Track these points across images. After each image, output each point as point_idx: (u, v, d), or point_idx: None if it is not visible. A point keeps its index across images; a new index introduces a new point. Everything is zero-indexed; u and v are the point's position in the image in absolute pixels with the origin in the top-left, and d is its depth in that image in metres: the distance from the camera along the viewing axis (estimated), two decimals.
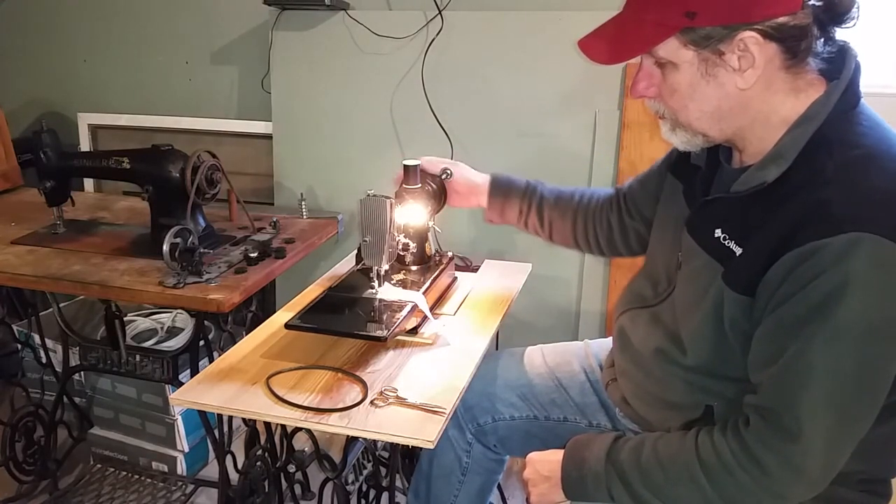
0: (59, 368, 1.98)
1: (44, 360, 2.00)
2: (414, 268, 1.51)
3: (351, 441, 1.32)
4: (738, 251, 0.93)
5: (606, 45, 0.98)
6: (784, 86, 0.93)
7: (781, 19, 0.88)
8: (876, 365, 0.86)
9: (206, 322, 1.65)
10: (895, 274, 0.83)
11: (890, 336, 0.85)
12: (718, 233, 0.97)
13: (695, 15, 0.89)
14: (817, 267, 0.83)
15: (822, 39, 0.91)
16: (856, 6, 0.91)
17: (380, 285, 1.35)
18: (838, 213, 0.84)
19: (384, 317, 1.30)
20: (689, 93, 0.95)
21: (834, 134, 0.90)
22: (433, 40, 2.12)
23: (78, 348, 1.80)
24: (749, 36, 0.88)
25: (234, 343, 1.32)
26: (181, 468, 2.03)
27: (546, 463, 1.08)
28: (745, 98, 0.93)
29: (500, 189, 1.42)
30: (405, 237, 1.45)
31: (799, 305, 0.85)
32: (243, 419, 1.75)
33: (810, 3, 0.88)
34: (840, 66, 0.93)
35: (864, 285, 0.82)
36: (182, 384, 1.18)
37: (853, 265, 0.82)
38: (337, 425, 1.05)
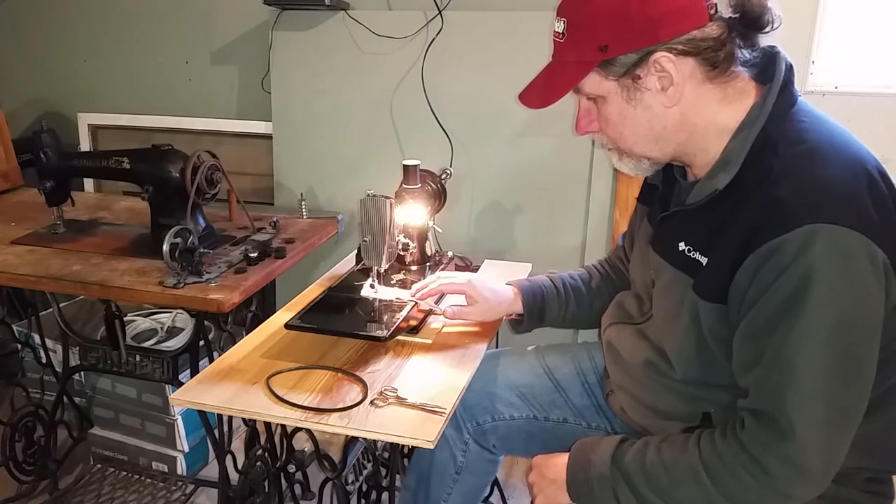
0: (59, 368, 1.98)
1: (44, 360, 2.00)
2: (414, 268, 1.52)
3: (351, 441, 1.33)
4: (704, 261, 0.95)
5: (538, 91, 1.03)
6: (714, 96, 0.96)
7: (691, 34, 0.91)
8: (855, 351, 0.86)
9: (206, 322, 1.65)
10: (856, 259, 0.84)
11: (862, 320, 0.86)
12: (682, 246, 0.99)
13: (607, 47, 0.94)
14: (780, 264, 0.85)
15: (747, 47, 0.94)
16: (768, 11, 0.93)
17: (380, 284, 1.35)
18: (792, 208, 0.85)
19: (384, 317, 1.30)
20: (620, 120, 1.00)
21: (777, 134, 0.93)
22: (433, 40, 2.12)
23: (78, 348, 1.80)
24: (661, 56, 0.92)
25: (234, 343, 1.32)
26: (181, 468, 2.03)
27: (551, 466, 1.08)
28: (676, 115, 0.97)
29: (531, 289, 1.35)
30: (405, 237, 1.45)
31: (769, 305, 0.86)
32: (243, 419, 1.75)
33: (719, 13, 0.91)
34: (772, 70, 0.96)
35: (827, 275, 0.83)
36: (182, 384, 1.18)
37: (814, 257, 0.83)
38: (337, 425, 1.05)
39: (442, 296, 1.36)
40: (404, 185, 1.47)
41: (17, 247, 1.64)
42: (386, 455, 1.66)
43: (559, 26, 0.98)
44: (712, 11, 0.91)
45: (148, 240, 1.65)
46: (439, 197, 1.56)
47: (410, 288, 1.35)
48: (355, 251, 1.59)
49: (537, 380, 1.33)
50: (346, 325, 1.31)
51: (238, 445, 1.75)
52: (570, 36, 0.97)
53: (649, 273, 1.11)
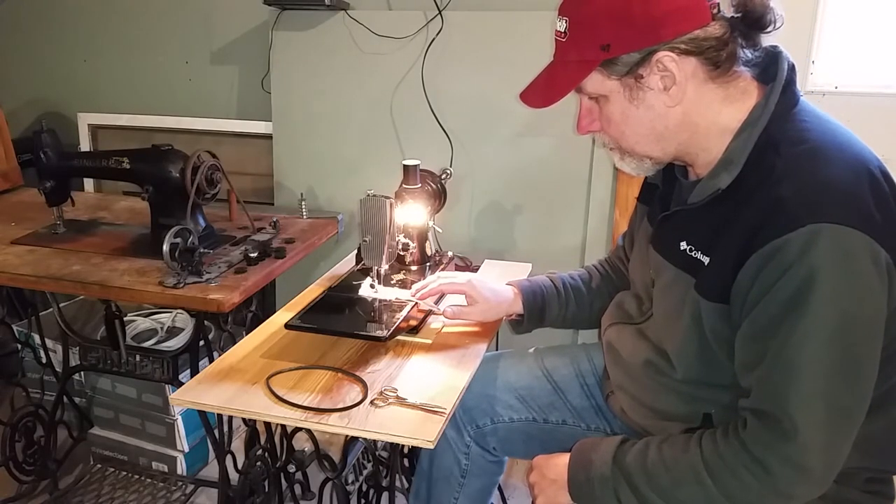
0: (59, 368, 1.98)
1: (44, 360, 2.00)
2: (414, 268, 1.52)
3: (351, 441, 1.33)
4: (706, 260, 0.95)
5: (540, 91, 1.03)
6: (716, 96, 0.96)
7: (693, 33, 0.91)
8: (857, 351, 0.86)
9: (206, 322, 1.65)
10: (859, 259, 0.84)
11: (865, 320, 0.86)
12: (683, 245, 0.99)
13: (609, 47, 0.94)
14: (782, 264, 0.85)
15: (749, 47, 0.94)
16: (770, 10, 0.93)
17: (380, 284, 1.35)
18: (794, 208, 0.85)
19: (384, 317, 1.30)
20: (622, 120, 0.99)
21: (779, 134, 0.93)
22: (433, 40, 2.12)
23: (78, 348, 1.80)
24: (664, 55, 0.92)
25: (234, 343, 1.32)
26: (181, 468, 2.03)
27: (552, 466, 1.08)
28: (678, 115, 0.97)
29: (531, 289, 1.34)
30: (405, 237, 1.45)
31: (771, 305, 0.86)
32: (243, 419, 1.75)
33: (721, 13, 0.91)
34: (774, 69, 0.96)
35: (830, 275, 0.83)
36: (182, 384, 1.18)
37: (816, 257, 0.83)
38: (337, 425, 1.05)
39: (442, 296, 1.36)
40: (404, 185, 1.47)
41: (17, 247, 1.64)
42: (386, 455, 1.66)
43: (561, 25, 0.98)
44: (715, 11, 0.91)
45: (148, 240, 1.65)
46: (439, 197, 1.56)
47: (410, 288, 1.35)
48: (355, 251, 1.59)
49: (536, 382, 1.33)
50: (346, 325, 1.31)
51: (238, 445, 1.75)
52: (572, 35, 0.97)
53: (649, 273, 1.11)
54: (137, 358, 1.72)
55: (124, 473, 2.05)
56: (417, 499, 1.37)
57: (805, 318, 0.84)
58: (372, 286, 1.34)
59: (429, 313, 1.37)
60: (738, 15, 0.92)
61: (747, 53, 0.94)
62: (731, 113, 0.96)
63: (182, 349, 1.68)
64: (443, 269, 1.52)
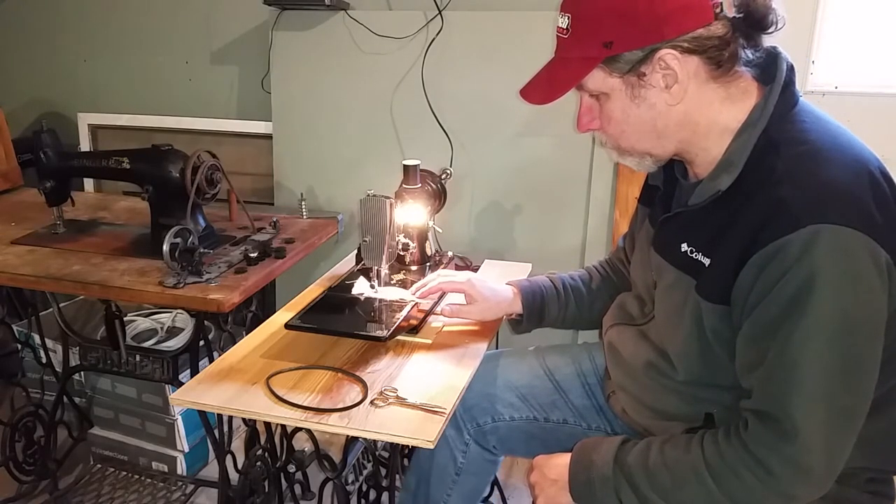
0: (59, 368, 1.98)
1: (44, 360, 2.00)
2: (414, 268, 1.52)
3: (351, 441, 1.33)
4: (707, 262, 0.95)
5: (541, 87, 1.03)
6: (717, 96, 0.96)
7: (696, 32, 0.91)
8: (858, 352, 0.86)
9: (206, 322, 1.64)
10: (859, 260, 0.84)
11: (865, 320, 0.86)
12: (685, 247, 0.99)
13: (611, 44, 0.93)
14: (783, 265, 0.85)
15: (751, 47, 0.94)
16: (772, 11, 0.93)
17: (380, 285, 1.35)
18: (794, 208, 0.85)
19: (384, 317, 1.30)
20: (623, 118, 0.99)
21: (778, 134, 0.93)
22: (433, 40, 2.12)
23: (78, 348, 1.80)
24: (667, 53, 0.92)
25: (234, 343, 1.32)
26: (181, 468, 2.03)
27: (553, 466, 1.07)
28: (679, 113, 0.97)
29: (530, 289, 1.34)
30: (405, 237, 1.45)
31: (772, 306, 0.87)
32: (243, 419, 1.75)
33: (724, 13, 0.91)
34: (774, 70, 0.96)
35: (830, 276, 0.83)
36: (182, 384, 1.18)
37: (817, 258, 0.83)
38: (337, 425, 1.05)
39: (442, 295, 1.36)
40: (404, 185, 1.47)
41: (17, 247, 1.64)
42: (386, 455, 1.66)
43: (563, 22, 0.98)
44: (717, 10, 0.91)
45: (148, 240, 1.65)
46: (439, 197, 1.56)
47: (410, 287, 1.35)
48: (355, 251, 1.59)
49: (537, 381, 1.33)
50: (346, 325, 1.31)
51: (238, 445, 1.75)
52: (575, 32, 0.97)
53: (651, 274, 1.11)
54: (137, 358, 1.72)
55: (124, 473, 2.05)
56: (408, 492, 1.37)
57: (806, 319, 0.84)
58: (372, 286, 1.34)
59: (429, 313, 1.37)
60: (741, 15, 0.92)
61: (748, 54, 0.94)
62: (732, 113, 0.96)
63: (182, 349, 1.68)
64: (443, 269, 1.52)
